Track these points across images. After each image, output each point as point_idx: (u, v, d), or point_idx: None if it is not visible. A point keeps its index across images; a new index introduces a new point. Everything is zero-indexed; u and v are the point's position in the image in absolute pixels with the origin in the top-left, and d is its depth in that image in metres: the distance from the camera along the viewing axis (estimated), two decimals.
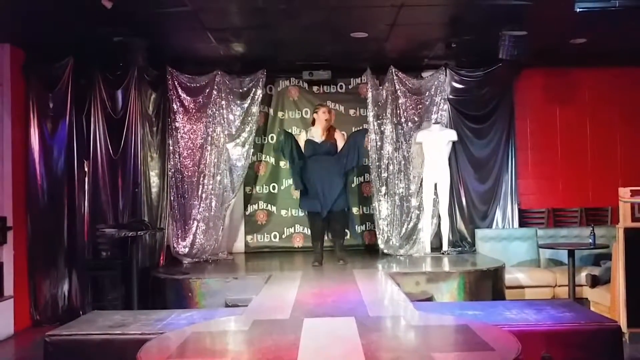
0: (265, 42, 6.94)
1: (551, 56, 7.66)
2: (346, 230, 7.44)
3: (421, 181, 7.65)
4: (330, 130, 7.03)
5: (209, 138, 7.62)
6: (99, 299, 6.91)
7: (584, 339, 3.89)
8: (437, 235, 7.69)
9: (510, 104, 8.10)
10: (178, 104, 7.64)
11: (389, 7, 5.77)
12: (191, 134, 7.65)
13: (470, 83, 7.79)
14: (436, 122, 7.65)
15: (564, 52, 7.49)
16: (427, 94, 7.81)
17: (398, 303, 4.68)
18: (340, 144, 7.00)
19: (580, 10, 5.52)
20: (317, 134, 7.01)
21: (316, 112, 7.09)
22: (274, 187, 8.35)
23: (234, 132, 7.74)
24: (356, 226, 7.97)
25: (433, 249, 7.58)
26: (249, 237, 8.32)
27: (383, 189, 7.64)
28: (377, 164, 7.65)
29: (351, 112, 8.38)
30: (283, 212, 8.32)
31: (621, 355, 4.01)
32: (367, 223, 8.33)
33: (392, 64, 7.70)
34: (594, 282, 6.24)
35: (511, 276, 6.87)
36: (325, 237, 7.20)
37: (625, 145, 8.32)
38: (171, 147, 7.63)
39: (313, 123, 7.14)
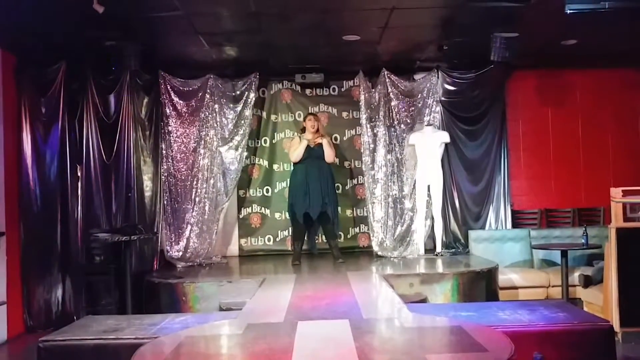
0: (257, 46, 6.94)
1: (542, 58, 7.69)
2: (337, 232, 7.62)
3: (414, 183, 7.68)
4: (317, 136, 7.37)
5: (202, 142, 7.62)
6: (93, 304, 6.89)
7: (577, 339, 3.92)
8: (431, 236, 7.71)
9: (502, 105, 8.13)
10: (171, 108, 7.64)
11: (381, 9, 5.78)
12: (184, 137, 7.65)
13: (462, 85, 7.80)
14: (429, 124, 7.68)
15: (555, 54, 7.53)
16: (419, 96, 7.84)
17: (392, 305, 4.69)
18: (325, 148, 7.28)
19: (571, 11, 5.54)
20: (309, 139, 7.36)
21: (305, 121, 7.51)
22: (267, 190, 8.34)
23: (227, 136, 7.75)
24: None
25: (427, 251, 7.61)
26: (242, 241, 8.30)
27: (376, 191, 7.66)
28: (370, 166, 7.68)
29: (344, 114, 8.39)
30: (277, 215, 8.30)
31: (614, 355, 4.04)
32: (360, 225, 8.33)
33: (385, 67, 7.73)
34: (587, 282, 6.27)
35: (504, 277, 6.90)
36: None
37: (617, 146, 8.36)
38: (164, 151, 7.62)
39: (303, 130, 7.50)
